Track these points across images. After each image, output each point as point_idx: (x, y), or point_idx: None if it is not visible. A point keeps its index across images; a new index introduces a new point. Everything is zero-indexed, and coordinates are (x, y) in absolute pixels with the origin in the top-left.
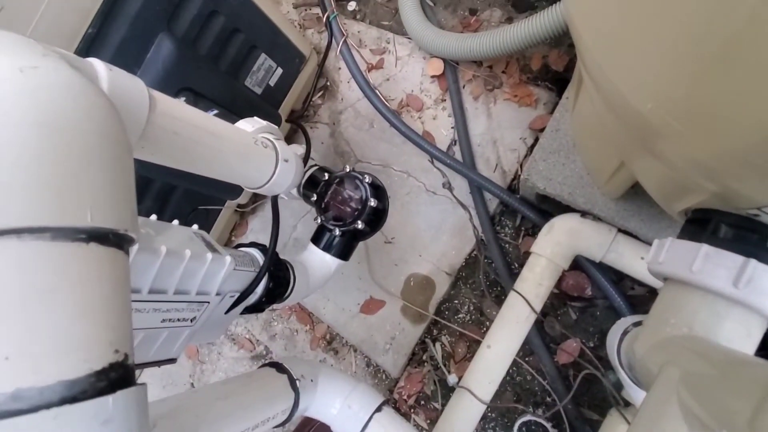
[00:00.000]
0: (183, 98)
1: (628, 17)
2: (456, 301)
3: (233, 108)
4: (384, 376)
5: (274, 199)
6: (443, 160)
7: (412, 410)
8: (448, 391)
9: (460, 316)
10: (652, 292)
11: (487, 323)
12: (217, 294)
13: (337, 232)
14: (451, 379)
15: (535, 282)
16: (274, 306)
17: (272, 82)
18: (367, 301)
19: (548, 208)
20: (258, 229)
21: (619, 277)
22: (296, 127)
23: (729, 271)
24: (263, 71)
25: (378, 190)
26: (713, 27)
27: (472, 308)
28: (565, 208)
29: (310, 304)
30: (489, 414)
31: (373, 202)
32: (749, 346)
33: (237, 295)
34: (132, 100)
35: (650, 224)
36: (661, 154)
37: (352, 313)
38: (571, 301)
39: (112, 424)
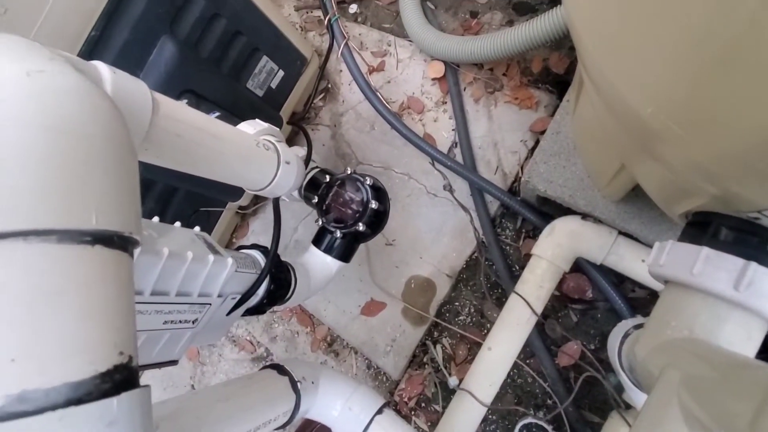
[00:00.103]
0: (185, 100)
1: (629, 20)
2: (457, 303)
3: (235, 110)
4: (385, 378)
5: (276, 201)
6: (444, 163)
7: (412, 412)
8: (448, 394)
9: (461, 318)
10: (653, 295)
11: (488, 325)
12: (219, 296)
13: (338, 234)
14: (452, 381)
15: (536, 284)
16: (275, 308)
17: (274, 85)
18: (368, 303)
19: (549, 210)
20: (259, 230)
21: (619, 280)
22: (297, 129)
23: (730, 274)
24: (265, 73)
25: (379, 192)
26: (714, 30)
27: (472, 310)
28: (565, 211)
29: (311, 306)
30: (490, 416)
31: (374, 204)
32: (750, 348)
33: (238, 296)
34: (135, 102)
35: (651, 227)
36: (661, 157)
37: (352, 315)
38: (572, 304)
39: (117, 426)
